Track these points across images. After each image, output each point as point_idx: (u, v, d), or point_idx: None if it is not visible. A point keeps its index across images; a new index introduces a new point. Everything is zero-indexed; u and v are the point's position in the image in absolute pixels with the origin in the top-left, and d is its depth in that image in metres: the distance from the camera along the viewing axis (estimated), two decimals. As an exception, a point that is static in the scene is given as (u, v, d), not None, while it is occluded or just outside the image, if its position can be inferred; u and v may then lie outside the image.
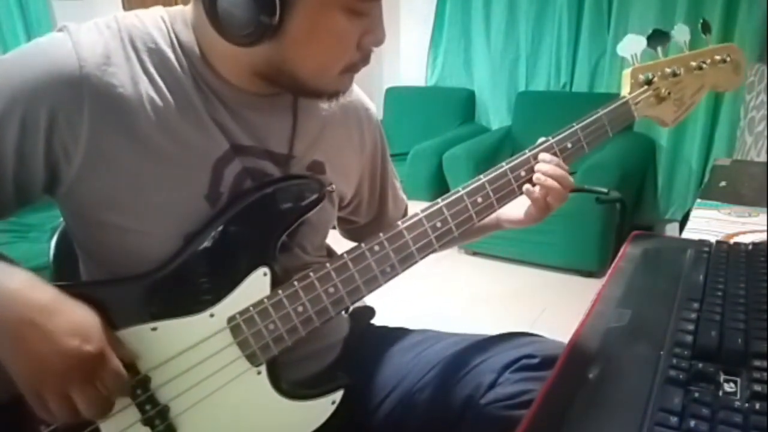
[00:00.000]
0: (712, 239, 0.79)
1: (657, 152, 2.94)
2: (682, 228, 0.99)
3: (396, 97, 3.66)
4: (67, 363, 0.54)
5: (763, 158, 2.06)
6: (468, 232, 0.72)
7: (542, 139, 0.75)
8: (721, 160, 1.59)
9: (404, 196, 0.96)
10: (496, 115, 3.45)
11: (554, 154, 0.74)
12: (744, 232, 0.92)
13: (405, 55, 3.73)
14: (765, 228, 0.93)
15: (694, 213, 1.03)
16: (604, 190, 2.00)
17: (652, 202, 2.97)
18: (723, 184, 1.22)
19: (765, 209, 1.02)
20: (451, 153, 2.89)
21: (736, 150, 2.51)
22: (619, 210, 2.51)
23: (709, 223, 0.98)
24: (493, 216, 0.76)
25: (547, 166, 0.72)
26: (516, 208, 0.78)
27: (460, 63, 3.50)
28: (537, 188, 0.72)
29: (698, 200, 1.10)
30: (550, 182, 0.72)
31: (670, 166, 2.92)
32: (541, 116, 3.03)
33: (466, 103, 3.48)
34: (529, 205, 0.76)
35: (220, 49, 0.64)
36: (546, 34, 3.17)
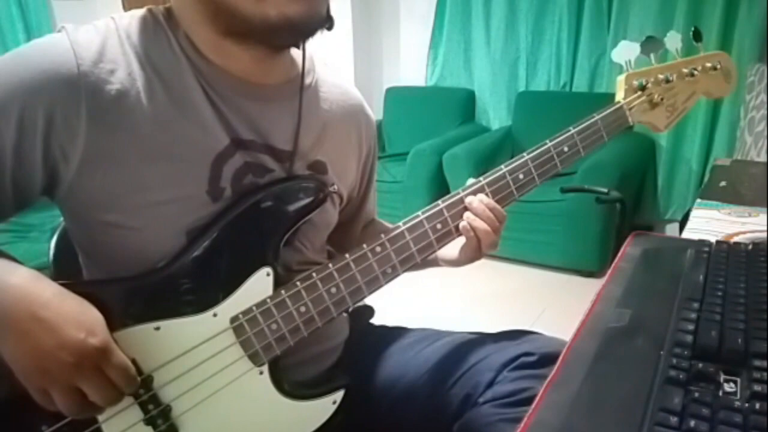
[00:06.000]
0: (712, 239, 0.79)
1: (657, 152, 2.94)
2: (682, 228, 0.99)
3: (396, 97, 3.64)
4: (74, 356, 0.53)
5: (763, 158, 2.06)
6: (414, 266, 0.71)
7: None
8: (721, 160, 1.59)
9: (375, 211, 0.94)
10: (496, 115, 3.44)
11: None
12: (744, 232, 0.92)
13: (405, 55, 3.72)
14: (765, 228, 0.93)
15: (694, 213, 1.03)
16: (604, 190, 1.99)
17: (652, 202, 2.97)
18: (723, 184, 1.22)
19: (765, 209, 1.02)
20: (451, 153, 2.89)
21: (736, 150, 2.50)
22: (619, 210, 2.51)
23: (709, 223, 0.98)
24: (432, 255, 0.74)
25: (478, 205, 0.71)
26: (452, 248, 0.77)
27: (460, 63, 3.49)
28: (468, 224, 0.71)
29: (698, 200, 1.10)
30: (478, 222, 0.71)
31: (670, 166, 2.92)
32: (541, 116, 3.03)
33: (466, 103, 3.47)
34: (463, 244, 0.75)
35: (188, 18, 0.64)
36: (546, 34, 3.16)
